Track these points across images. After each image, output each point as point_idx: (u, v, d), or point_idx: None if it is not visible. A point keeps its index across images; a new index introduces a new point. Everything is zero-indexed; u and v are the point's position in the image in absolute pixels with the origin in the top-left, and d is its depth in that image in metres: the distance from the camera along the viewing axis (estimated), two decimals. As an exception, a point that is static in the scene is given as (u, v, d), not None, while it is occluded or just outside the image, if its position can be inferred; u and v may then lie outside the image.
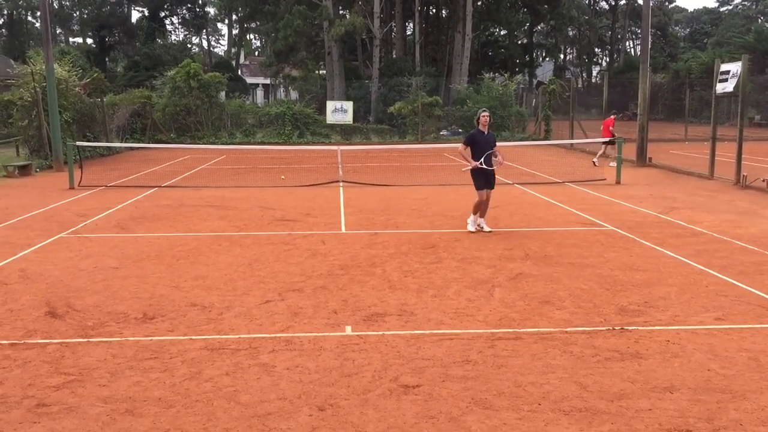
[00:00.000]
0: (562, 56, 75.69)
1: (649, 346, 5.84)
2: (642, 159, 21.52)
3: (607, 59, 76.11)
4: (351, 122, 34.75)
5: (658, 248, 9.62)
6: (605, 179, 17.14)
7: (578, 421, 4.49)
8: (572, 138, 28.32)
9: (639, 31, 63.50)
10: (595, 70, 78.10)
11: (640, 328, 6.32)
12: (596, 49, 76.33)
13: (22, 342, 6.06)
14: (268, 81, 62.44)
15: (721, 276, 8.11)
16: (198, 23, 71.99)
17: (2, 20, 76.70)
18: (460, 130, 34.86)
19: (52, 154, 21.48)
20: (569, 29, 69.81)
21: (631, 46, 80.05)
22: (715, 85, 17.65)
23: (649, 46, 22.17)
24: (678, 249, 9.51)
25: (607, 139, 21.43)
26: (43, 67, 21.81)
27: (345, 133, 34.26)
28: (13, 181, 18.37)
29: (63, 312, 6.90)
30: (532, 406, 4.70)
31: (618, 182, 16.84)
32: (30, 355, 5.73)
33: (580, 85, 64.97)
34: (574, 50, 79.45)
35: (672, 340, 6.01)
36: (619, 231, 10.87)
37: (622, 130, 26.98)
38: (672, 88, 49.81)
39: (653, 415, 4.58)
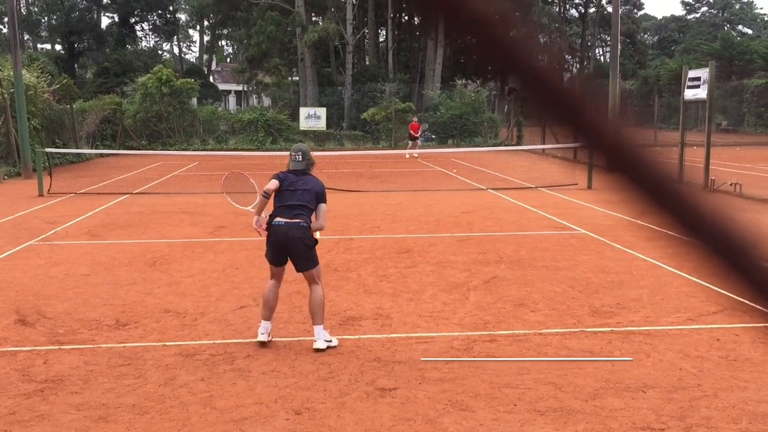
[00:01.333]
0: (533, 63, 76.41)
1: (622, 347, 5.92)
2: (613, 164, 21.77)
3: (577, 66, 77.07)
4: (324, 129, 34.72)
5: (629, 251, 9.75)
6: (577, 184, 17.33)
7: (554, 421, 4.53)
8: (544, 143, 28.60)
9: (608, 38, 64.44)
10: (565, 77, 78.96)
11: (613, 329, 6.40)
12: (566, 56, 77.23)
13: (-8, 350, 5.95)
14: (240, 87, 62.20)
15: (691, 278, 8.24)
16: (169, 29, 71.33)
17: (-32, 26, 75.39)
18: (433, 136, 35.01)
19: (21, 161, 21.15)
20: (540, 36, 70.55)
21: (601, 53, 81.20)
22: (684, 92, 17.95)
23: (619, 54, 22.50)
24: (649, 252, 9.65)
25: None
26: (11, 73, 21.48)
27: (318, 140, 34.20)
28: (-19, 189, 18.03)
29: (33, 320, 6.79)
30: (508, 407, 4.73)
31: (589, 187, 17.03)
32: (0, 363, 5.63)
33: (551, 92, 65.66)
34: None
35: (644, 340, 6.09)
36: (591, 234, 11.00)
37: (592, 135, 27.31)
38: (641, 95, 50.58)
39: (627, 414, 4.64)
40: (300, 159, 6.19)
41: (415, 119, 29.82)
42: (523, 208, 13.87)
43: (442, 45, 42.16)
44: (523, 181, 18.54)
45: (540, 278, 8.28)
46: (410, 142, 28.33)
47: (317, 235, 6.13)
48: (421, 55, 45.98)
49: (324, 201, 6.14)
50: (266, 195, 6.08)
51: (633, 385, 5.12)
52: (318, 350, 5.81)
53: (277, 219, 5.96)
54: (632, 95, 51.39)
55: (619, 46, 22.63)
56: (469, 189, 17.33)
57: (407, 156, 26.73)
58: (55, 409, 4.77)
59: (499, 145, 33.39)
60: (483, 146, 31.82)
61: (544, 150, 27.78)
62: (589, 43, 75.07)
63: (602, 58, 76.60)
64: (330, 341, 5.96)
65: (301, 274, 6.14)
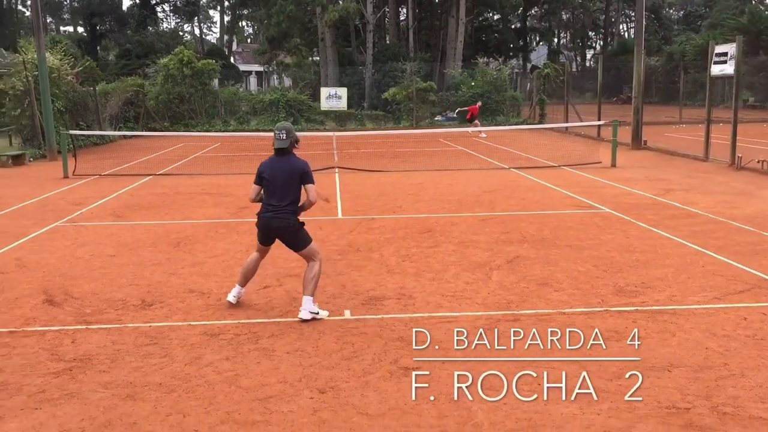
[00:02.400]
0: (556, 40, 75.52)
1: (647, 326, 5.87)
2: (637, 142, 21.53)
3: (601, 43, 75.93)
4: (345, 108, 34.63)
5: (654, 230, 9.65)
6: (600, 162, 17.14)
7: (578, 400, 4.52)
8: (567, 122, 28.31)
9: (633, 14, 63.31)
10: (589, 54, 77.94)
11: (638, 308, 6.35)
12: (590, 33, 76.13)
13: (21, 330, 6.06)
14: (261, 68, 62.20)
15: (717, 256, 8.15)
16: (190, 10, 71.39)
17: (-8, 9, 76.04)
18: (454, 116, 34.81)
19: (46, 144, 21.38)
20: (563, 13, 69.59)
21: (625, 29, 79.80)
22: (710, 67, 17.63)
23: (644, 29, 22.12)
24: (674, 230, 9.54)
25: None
26: (35, 56, 21.63)
27: (339, 120, 34.15)
28: (7, 171, 18.28)
29: (61, 300, 6.89)
30: (532, 386, 4.72)
31: (613, 165, 16.85)
32: (29, 343, 5.73)
33: (574, 69, 64.90)
34: (568, 34, 79.20)
35: (669, 319, 6.04)
36: (615, 213, 10.89)
37: (617, 113, 27.00)
38: (666, 71, 49.78)
39: (652, 393, 4.61)
40: (284, 137, 6.31)
41: (479, 104, 29.19)
42: (546, 187, 13.76)
43: (463, 22, 41.76)
44: (545, 160, 18.38)
45: (563, 257, 8.23)
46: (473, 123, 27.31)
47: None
48: (442, 33, 45.61)
49: (309, 182, 6.33)
50: (253, 200, 6.55)
51: (658, 364, 5.08)
52: (302, 320, 6.08)
53: (263, 211, 6.35)
54: (657, 72, 50.59)
55: (644, 22, 22.23)
56: (492, 168, 17.22)
57: (483, 135, 25.91)
58: (83, 388, 4.85)
59: (522, 123, 33.11)
60: (505, 125, 31.58)
61: (567, 128, 27.51)
62: (613, 19, 73.87)
63: (626, 34, 75.35)
64: (316, 313, 6.17)
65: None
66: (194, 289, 7.19)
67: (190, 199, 13.05)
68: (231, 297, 6.59)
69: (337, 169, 17.03)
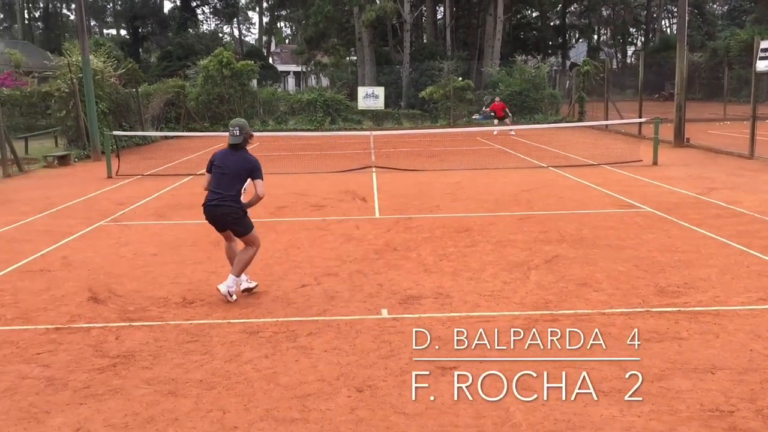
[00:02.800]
0: (595, 37, 74.48)
1: (690, 327, 5.77)
2: (679, 139, 21.13)
3: (643, 39, 74.67)
4: (382, 108, 34.70)
5: (697, 229, 9.47)
6: (641, 160, 16.87)
7: (618, 402, 4.47)
8: (607, 119, 27.93)
9: (675, 9, 62.12)
10: (630, 50, 76.72)
11: (680, 309, 6.24)
12: (631, 29, 74.90)
13: (67, 326, 6.21)
14: (299, 68, 62.61)
15: (763, 257, 7.96)
16: (229, 12, 72.29)
17: (38, 13, 78.04)
18: (492, 113, 34.59)
19: (90, 144, 21.86)
20: (603, 9, 68.60)
21: (667, 25, 78.36)
22: (756, 63, 17.22)
23: (686, 25, 21.70)
24: (718, 230, 9.35)
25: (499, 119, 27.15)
26: (79, 58, 22.13)
27: (376, 119, 34.23)
28: (53, 171, 18.75)
29: (105, 297, 7.05)
30: (571, 387, 4.68)
31: (655, 163, 16.57)
32: (75, 339, 5.88)
33: (614, 66, 63.92)
34: (608, 30, 78.06)
35: (713, 320, 5.93)
36: (657, 212, 10.72)
37: (658, 110, 26.55)
38: (710, 67, 48.69)
39: (694, 395, 4.54)
40: (237, 133, 6.80)
41: (497, 99, 28.73)
42: (586, 186, 13.60)
43: (501, 20, 41.47)
44: (585, 158, 18.16)
45: (603, 257, 8.13)
46: (498, 121, 27.14)
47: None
48: (480, 31, 45.37)
49: (257, 177, 6.79)
50: (206, 189, 6.98)
51: (701, 366, 5.00)
52: (219, 290, 6.72)
53: (208, 200, 6.87)
54: (701, 68, 49.54)
55: (687, 17, 21.80)
56: (529, 167, 17.08)
57: (512, 133, 25.86)
58: (127, 383, 4.96)
59: (560, 121, 32.75)
60: (543, 123, 31.28)
61: (607, 126, 27.13)
62: (654, 15, 72.59)
63: (668, 29, 73.99)
64: (231, 296, 6.67)
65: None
66: (234, 287, 7.28)
67: (229, 198, 13.19)
68: (244, 284, 6.99)
69: (374, 169, 17.07)
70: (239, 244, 7.05)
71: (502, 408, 4.43)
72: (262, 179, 6.82)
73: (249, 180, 6.83)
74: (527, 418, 4.30)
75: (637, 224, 9.94)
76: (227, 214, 6.79)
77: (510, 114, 28.08)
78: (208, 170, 6.94)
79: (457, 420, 4.30)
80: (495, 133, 26.29)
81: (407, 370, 5.04)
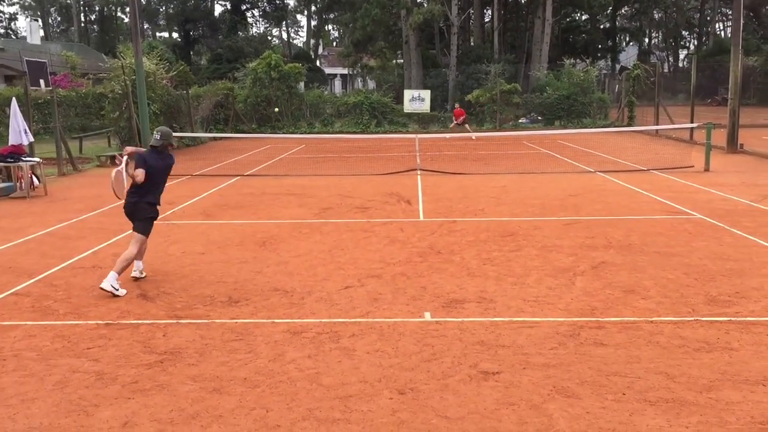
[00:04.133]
0: (646, 40, 73.13)
1: (741, 338, 5.62)
2: (733, 145, 20.60)
3: (695, 42, 73.06)
4: (428, 111, 34.68)
5: (750, 237, 9.21)
6: (692, 166, 16.50)
7: (665, 412, 4.37)
8: (657, 124, 27.39)
9: (730, 12, 60.59)
10: (682, 54, 75.09)
11: (731, 319, 6.08)
12: (684, 32, 73.34)
13: (116, 322, 6.36)
14: (346, 71, 63.01)
15: (819, 267, 7.70)
16: (278, 15, 73.18)
17: (94, 16, 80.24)
18: (539, 118, 34.25)
19: (142, 145, 22.35)
20: (655, 12, 67.28)
21: (721, 28, 76.46)
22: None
23: (741, 28, 21.12)
24: (772, 238, 9.08)
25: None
26: (133, 60, 22.67)
27: (422, 122, 34.22)
28: (106, 171, 19.20)
29: (153, 294, 7.19)
30: (617, 396, 4.60)
31: (707, 169, 16.18)
32: (124, 335, 6.01)
33: (666, 70, 62.67)
34: (660, 34, 76.55)
35: (765, 331, 5.76)
36: (708, 219, 10.47)
37: (711, 115, 25.95)
38: (766, 72, 47.43)
39: (745, 407, 4.41)
40: (158, 138, 7.59)
41: (458, 105, 30.37)
42: (634, 192, 13.36)
43: (549, 23, 41.05)
44: (634, 164, 17.84)
45: (652, 264, 7.97)
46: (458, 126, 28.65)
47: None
48: (528, 34, 45.02)
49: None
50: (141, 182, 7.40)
51: (752, 377, 4.86)
52: (102, 289, 7.09)
53: (135, 198, 7.53)
54: (756, 72, 48.24)
55: (742, 20, 21.22)
56: (577, 171, 16.85)
57: (473, 137, 27.27)
58: (173, 380, 5.05)
59: (609, 126, 32.23)
60: (592, 127, 30.83)
61: (657, 131, 26.61)
62: (708, 18, 70.90)
63: (722, 33, 72.19)
64: (117, 290, 7.09)
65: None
66: (278, 287, 7.37)
67: (275, 199, 13.37)
68: (135, 272, 7.74)
69: (419, 172, 17.06)
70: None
71: (546, 414, 4.38)
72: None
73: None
74: (571, 425, 4.24)
75: (688, 231, 9.72)
76: (142, 213, 7.60)
77: (467, 121, 29.68)
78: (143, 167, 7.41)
79: (499, 425, 4.27)
80: (474, 138, 27.23)
81: (449, 374, 5.03)
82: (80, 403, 4.71)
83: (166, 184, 7.83)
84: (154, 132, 7.70)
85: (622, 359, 5.22)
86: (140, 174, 7.23)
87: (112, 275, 7.15)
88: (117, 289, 7.12)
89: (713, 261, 8.05)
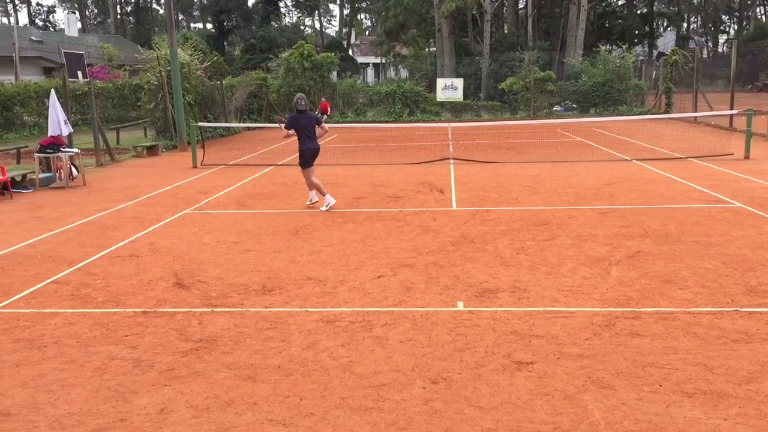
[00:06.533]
0: (685, 25, 71.65)
1: (782, 329, 5.50)
2: (774, 132, 20.11)
3: (736, 27, 71.35)
4: (461, 99, 34.48)
5: (792, 226, 8.99)
6: (732, 154, 16.16)
7: (703, 404, 4.30)
8: (695, 111, 26.86)
9: (772, -5, 59.01)
10: (721, 39, 73.47)
11: (771, 310, 5.95)
12: (723, 17, 71.68)
13: (153, 310, 6.46)
14: (378, 60, 62.95)
15: None
16: (311, 5, 73.32)
17: (130, 8, 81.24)
18: (574, 106, 33.82)
19: (177, 135, 22.63)
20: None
21: (763, 12, 74.57)
22: None
23: (784, 11, 20.57)
24: (815, 227, 8.86)
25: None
26: (168, 51, 22.91)
27: (455, 111, 34.04)
28: (142, 161, 19.51)
29: (189, 283, 7.29)
30: (653, 387, 4.54)
31: (747, 157, 15.82)
32: (160, 323, 6.11)
33: (705, 56, 61.34)
34: (699, 18, 74.95)
35: (808, 323, 5.62)
36: (748, 208, 10.25)
37: (751, 101, 25.39)
38: (809, 56, 46.11)
39: (786, 401, 4.32)
40: (303, 103, 11.25)
41: (324, 98, 32.15)
42: (672, 180, 13.13)
43: (585, 9, 40.44)
44: (671, 152, 17.53)
45: (689, 254, 7.83)
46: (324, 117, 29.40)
47: None
48: (563, 21, 44.41)
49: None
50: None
51: (794, 370, 4.75)
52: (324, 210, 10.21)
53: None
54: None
55: (785, 3, 20.66)
56: (612, 160, 16.61)
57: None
58: (209, 367, 5.12)
59: (646, 113, 31.70)
60: (628, 115, 30.35)
61: (695, 118, 26.10)
62: (749, 2, 69.14)
63: (764, 17, 70.39)
64: (326, 201, 10.93)
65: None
66: (311, 276, 7.41)
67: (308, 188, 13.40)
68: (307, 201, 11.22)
69: (452, 160, 16.99)
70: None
71: (580, 405, 4.34)
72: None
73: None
74: (606, 416, 4.20)
75: (726, 220, 9.53)
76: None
77: (327, 113, 30.55)
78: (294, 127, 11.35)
79: (533, 416, 4.25)
80: None
81: (483, 364, 5.01)
82: (118, 389, 4.80)
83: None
84: (299, 99, 11.31)
85: (659, 350, 5.14)
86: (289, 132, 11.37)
87: (319, 199, 11.23)
88: (326, 200, 11.17)
89: (753, 250, 7.88)
